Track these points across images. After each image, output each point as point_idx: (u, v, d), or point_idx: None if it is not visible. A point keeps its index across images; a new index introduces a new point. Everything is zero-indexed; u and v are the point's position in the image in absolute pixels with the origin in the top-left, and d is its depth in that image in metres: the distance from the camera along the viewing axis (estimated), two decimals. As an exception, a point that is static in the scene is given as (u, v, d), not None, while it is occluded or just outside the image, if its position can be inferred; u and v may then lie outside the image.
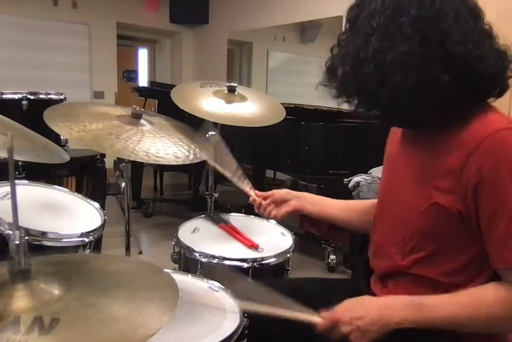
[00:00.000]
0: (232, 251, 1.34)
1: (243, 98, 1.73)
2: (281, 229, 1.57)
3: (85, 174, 2.34)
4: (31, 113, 2.08)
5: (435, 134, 0.88)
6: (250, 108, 1.70)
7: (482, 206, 0.79)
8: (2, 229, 1.04)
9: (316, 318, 0.88)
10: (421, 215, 0.87)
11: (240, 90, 1.75)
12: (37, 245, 1.11)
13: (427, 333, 0.82)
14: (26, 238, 0.64)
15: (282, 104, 1.83)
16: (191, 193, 4.14)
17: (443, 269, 0.87)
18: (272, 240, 1.47)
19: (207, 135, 1.52)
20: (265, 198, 1.24)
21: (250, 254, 1.34)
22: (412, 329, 0.81)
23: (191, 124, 1.52)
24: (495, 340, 0.90)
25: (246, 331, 0.92)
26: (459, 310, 0.80)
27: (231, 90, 1.73)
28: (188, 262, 1.36)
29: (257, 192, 1.27)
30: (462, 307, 0.80)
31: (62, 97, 2.26)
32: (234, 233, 1.48)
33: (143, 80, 6.24)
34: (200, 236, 1.47)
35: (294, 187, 3.41)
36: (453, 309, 0.80)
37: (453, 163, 0.82)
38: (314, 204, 1.22)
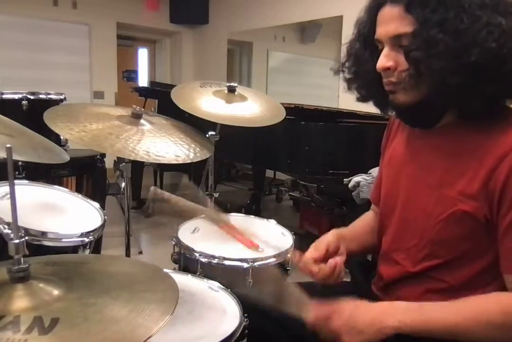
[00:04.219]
0: (232, 251, 1.34)
1: (243, 98, 1.72)
2: (281, 229, 1.57)
3: (85, 174, 2.33)
4: (31, 113, 2.08)
5: (461, 136, 0.85)
6: (250, 108, 1.69)
7: (504, 211, 0.77)
8: (2, 228, 1.04)
9: (311, 310, 0.84)
10: (440, 223, 0.84)
11: (240, 90, 1.75)
12: (37, 245, 1.11)
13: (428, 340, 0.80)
14: (26, 237, 0.64)
15: (282, 104, 1.83)
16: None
17: (456, 277, 0.85)
18: (272, 240, 1.47)
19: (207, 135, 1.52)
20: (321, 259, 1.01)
21: (250, 254, 1.34)
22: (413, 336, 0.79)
23: (191, 124, 1.52)
24: None
25: (246, 331, 0.91)
26: (459, 318, 0.78)
27: (231, 90, 1.72)
28: (188, 262, 1.36)
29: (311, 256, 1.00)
30: (461, 315, 0.78)
31: (62, 97, 2.26)
32: (234, 233, 1.48)
33: (143, 80, 6.25)
34: (200, 236, 1.47)
35: (294, 186, 3.41)
36: (452, 316, 0.78)
37: (481, 168, 0.79)
38: (352, 240, 1.07)
